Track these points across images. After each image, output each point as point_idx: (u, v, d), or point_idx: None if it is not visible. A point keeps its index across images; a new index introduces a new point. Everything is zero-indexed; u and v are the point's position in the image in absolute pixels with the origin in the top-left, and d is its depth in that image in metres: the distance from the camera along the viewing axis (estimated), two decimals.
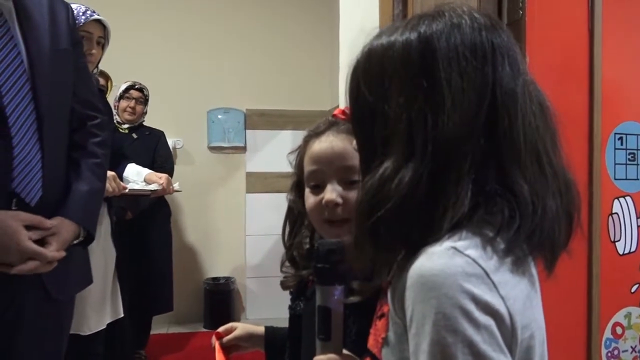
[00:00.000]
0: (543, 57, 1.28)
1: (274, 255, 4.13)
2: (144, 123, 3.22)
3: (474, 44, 0.60)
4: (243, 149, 4.26)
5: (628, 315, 1.40)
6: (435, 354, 0.54)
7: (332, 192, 0.88)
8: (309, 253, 0.98)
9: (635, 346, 1.41)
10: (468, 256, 0.56)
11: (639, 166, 1.40)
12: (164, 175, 2.37)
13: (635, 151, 1.40)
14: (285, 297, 1.06)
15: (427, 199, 0.59)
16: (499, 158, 0.60)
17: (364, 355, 0.70)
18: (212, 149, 4.23)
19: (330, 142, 0.91)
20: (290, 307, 1.04)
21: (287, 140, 4.14)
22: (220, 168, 4.24)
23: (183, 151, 4.17)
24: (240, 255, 4.25)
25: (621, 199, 1.39)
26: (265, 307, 4.08)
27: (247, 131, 4.24)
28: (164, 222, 3.31)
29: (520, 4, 1.25)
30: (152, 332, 3.30)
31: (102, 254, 1.98)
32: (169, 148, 3.37)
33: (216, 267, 4.22)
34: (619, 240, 1.39)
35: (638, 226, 1.40)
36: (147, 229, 3.09)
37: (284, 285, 1.04)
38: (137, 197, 2.54)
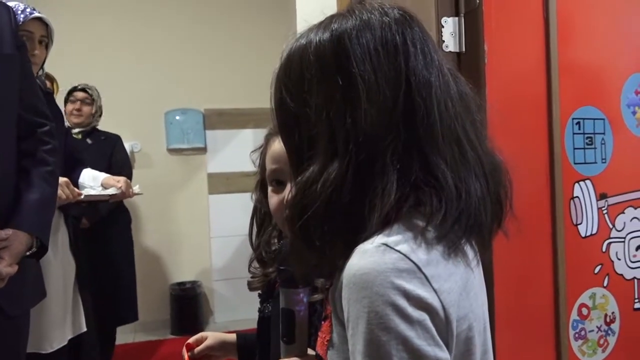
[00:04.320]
0: (501, 44, 1.29)
1: (240, 257, 4.08)
2: (99, 127, 3.11)
3: (385, 38, 0.61)
4: (203, 149, 4.19)
5: (593, 296, 1.43)
6: (371, 354, 0.53)
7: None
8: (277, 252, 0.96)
9: (601, 326, 1.44)
10: (399, 252, 0.55)
11: (596, 150, 1.43)
12: (122, 178, 2.28)
13: (592, 135, 1.43)
14: (254, 298, 1.04)
15: (354, 195, 0.58)
16: (419, 146, 0.60)
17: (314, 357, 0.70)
18: (172, 151, 4.14)
19: None
20: (258, 310, 1.02)
21: (248, 139, 4.09)
22: (180, 170, 4.16)
23: (141, 154, 4.06)
24: (206, 258, 4.18)
25: (581, 183, 1.41)
26: (234, 309, 4.03)
27: (207, 131, 4.18)
28: (124, 229, 3.21)
29: None
30: (117, 342, 3.20)
31: (61, 267, 1.89)
32: (126, 153, 3.26)
33: (181, 271, 4.14)
34: (580, 224, 1.41)
35: (598, 208, 1.43)
36: (108, 236, 2.99)
37: (250, 286, 1.02)
38: (94, 203, 2.45)
